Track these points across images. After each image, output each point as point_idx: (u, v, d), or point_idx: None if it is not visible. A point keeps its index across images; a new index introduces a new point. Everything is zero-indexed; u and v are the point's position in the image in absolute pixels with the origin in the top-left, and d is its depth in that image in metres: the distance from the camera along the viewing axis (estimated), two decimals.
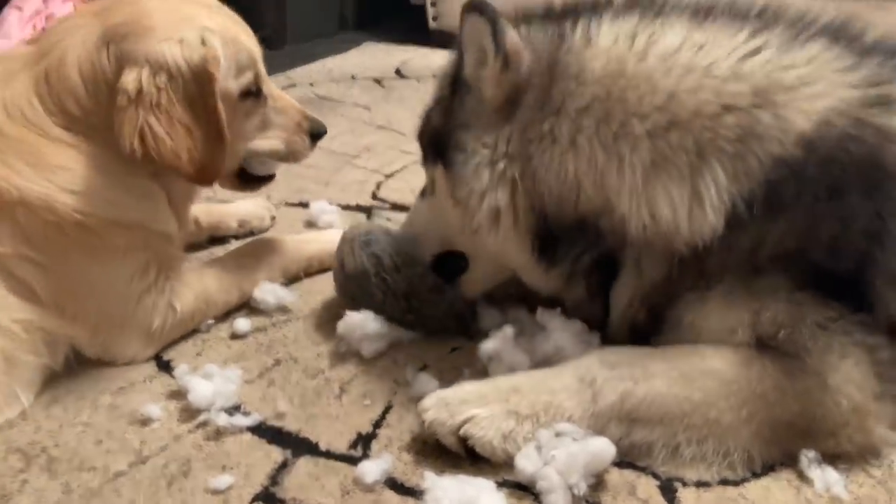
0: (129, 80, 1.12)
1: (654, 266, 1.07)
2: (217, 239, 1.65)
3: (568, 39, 1.10)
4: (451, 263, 1.26)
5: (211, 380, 1.15)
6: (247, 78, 1.28)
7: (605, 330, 1.17)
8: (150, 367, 1.25)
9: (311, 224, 1.76)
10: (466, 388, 1.05)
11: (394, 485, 1.00)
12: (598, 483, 0.98)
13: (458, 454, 1.01)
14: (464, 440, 1.00)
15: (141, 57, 1.14)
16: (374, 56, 3.39)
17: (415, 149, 2.21)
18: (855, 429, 1.00)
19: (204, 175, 1.21)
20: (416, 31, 3.75)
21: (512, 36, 1.07)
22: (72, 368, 1.21)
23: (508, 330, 1.18)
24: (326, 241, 1.53)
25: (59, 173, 1.13)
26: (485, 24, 1.06)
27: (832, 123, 0.99)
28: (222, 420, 1.09)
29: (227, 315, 1.37)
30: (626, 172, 1.03)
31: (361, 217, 1.81)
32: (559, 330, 1.16)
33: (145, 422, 1.11)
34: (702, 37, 1.05)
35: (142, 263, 1.22)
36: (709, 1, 1.11)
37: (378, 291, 1.25)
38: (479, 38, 1.08)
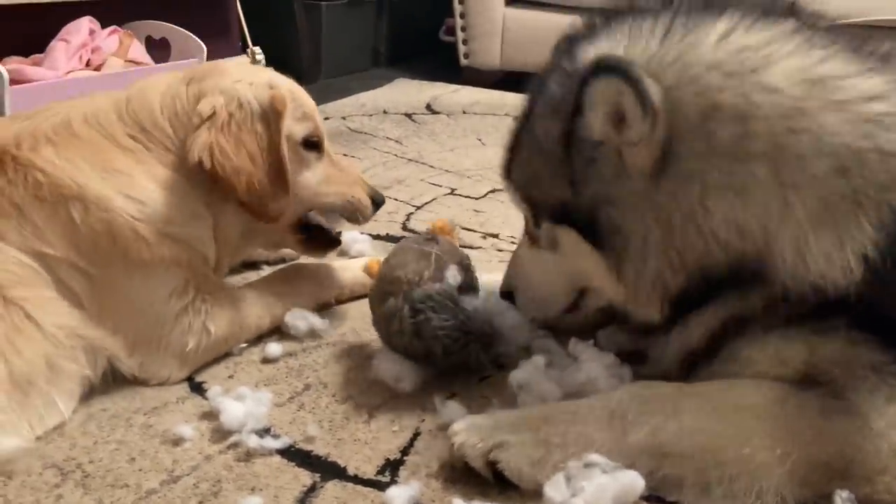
0: (206, 104, 1.25)
1: (755, 303, 1.03)
2: (250, 264, 1.68)
3: (723, 69, 0.99)
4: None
5: (242, 402, 1.16)
6: (308, 126, 1.37)
7: (641, 361, 1.16)
8: (183, 389, 1.27)
9: (342, 253, 1.78)
10: (497, 415, 1.05)
11: None
12: None
13: (486, 480, 1.01)
14: (492, 465, 0.99)
15: (217, 89, 1.27)
16: (406, 92, 3.46)
17: (445, 181, 2.26)
18: (894, 476, 0.97)
19: (261, 208, 1.29)
20: (447, 68, 3.83)
21: (656, 91, 0.97)
22: (108, 385, 1.23)
23: (539, 360, 1.18)
24: (359, 270, 1.55)
25: (118, 177, 1.21)
26: (623, 84, 0.96)
27: None
28: (253, 442, 1.10)
29: (258, 339, 1.39)
30: (792, 219, 0.98)
31: (391, 247, 1.83)
32: (591, 361, 1.16)
33: (177, 441, 1.13)
34: (872, 84, 1.01)
35: (181, 282, 1.26)
36: (853, 38, 1.07)
37: (411, 350, 1.23)
38: (614, 100, 0.98)
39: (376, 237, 1.87)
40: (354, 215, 1.47)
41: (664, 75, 1.01)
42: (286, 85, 1.36)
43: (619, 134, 1.01)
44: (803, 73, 1.00)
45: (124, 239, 1.19)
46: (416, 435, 1.15)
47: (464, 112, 3.13)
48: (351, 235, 1.82)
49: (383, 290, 1.24)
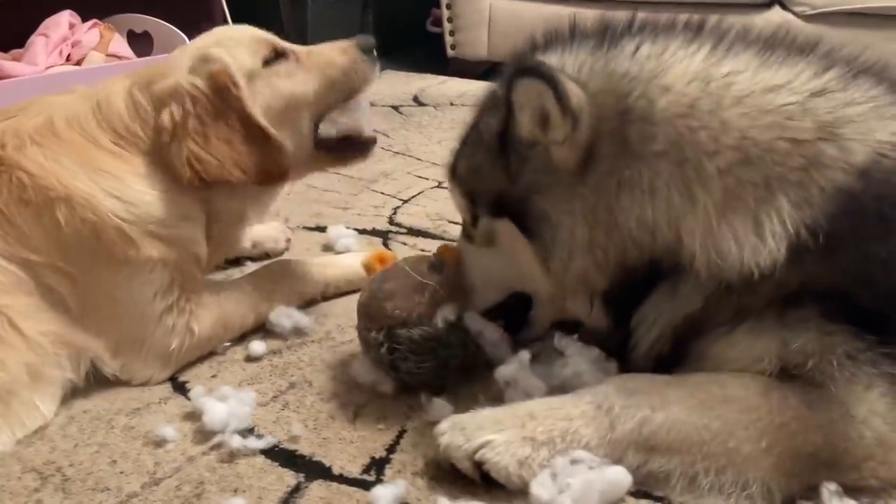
0: (165, 117, 1.24)
1: (692, 298, 1.06)
2: (233, 261, 1.66)
3: (631, 75, 1.05)
4: (511, 306, 1.24)
5: (225, 402, 1.15)
6: (260, 51, 1.33)
7: (623, 357, 1.16)
8: (166, 389, 1.25)
9: (328, 248, 1.77)
10: (483, 414, 1.04)
11: None
12: None
13: (473, 479, 1.00)
14: (479, 465, 0.99)
15: (165, 96, 1.26)
16: (393, 84, 3.43)
17: (432, 174, 2.24)
18: (879, 462, 0.98)
19: (268, 176, 1.28)
20: (434, 59, 3.80)
21: (576, 93, 1.02)
22: (88, 387, 1.22)
23: (524, 356, 1.17)
24: (344, 265, 1.54)
25: (106, 178, 1.20)
26: (545, 87, 1.01)
27: (887, 156, 1.00)
28: (236, 442, 1.09)
29: (242, 337, 1.38)
30: (699, 212, 1.02)
31: (377, 241, 1.82)
32: (576, 356, 1.15)
33: (160, 443, 1.11)
34: (771, 76, 1.04)
35: (166, 282, 1.24)
36: (767, 34, 1.11)
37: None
38: (538, 101, 1.03)
39: (362, 232, 1.86)
40: (358, 80, 1.40)
41: (591, 83, 1.06)
42: (218, 40, 1.33)
43: (545, 134, 1.06)
44: (699, 73, 1.04)
45: (110, 239, 1.18)
46: (401, 433, 1.14)
47: (451, 104, 3.11)
48: (336, 230, 1.80)
49: (369, 313, 1.20)
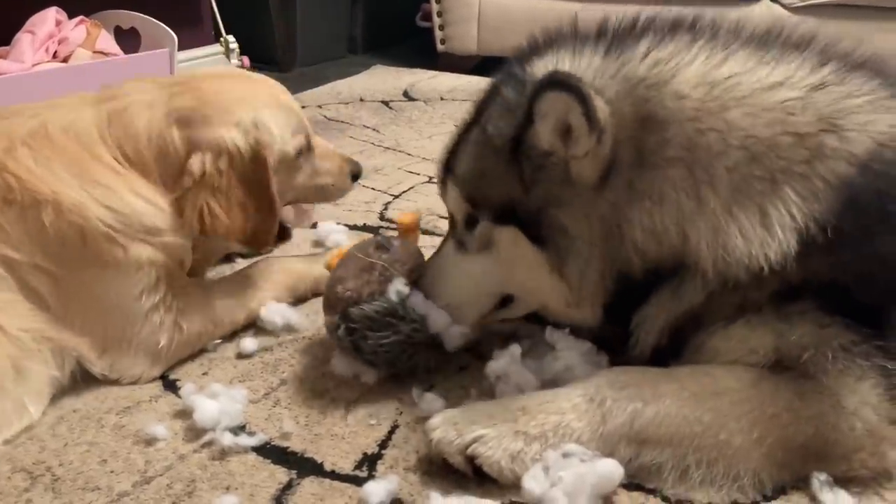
0: (196, 164, 1.23)
1: (694, 295, 1.05)
2: (224, 257, 1.65)
3: (646, 81, 1.04)
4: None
5: (216, 399, 1.14)
6: (299, 140, 1.37)
7: (620, 352, 1.15)
8: (156, 387, 1.24)
9: (319, 244, 1.76)
10: (474, 408, 1.04)
11: None
12: None
13: (465, 474, 1.00)
14: (471, 460, 0.99)
15: (204, 143, 1.25)
16: (383, 79, 3.42)
17: (422, 169, 2.24)
18: (869, 453, 0.98)
19: (256, 241, 1.32)
20: (424, 54, 3.80)
21: (603, 108, 1.00)
22: (78, 386, 1.21)
23: (516, 349, 1.17)
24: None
25: (99, 189, 1.19)
26: (573, 101, 0.98)
27: (887, 146, 1.01)
28: (227, 440, 1.09)
29: (233, 334, 1.37)
30: (707, 213, 1.01)
31: (368, 237, 1.81)
32: (568, 349, 1.16)
33: (150, 441, 1.11)
34: (769, 74, 1.04)
35: (153, 280, 1.24)
36: (760, 31, 1.11)
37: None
38: (564, 114, 1.00)
39: (353, 227, 1.85)
40: (333, 196, 1.49)
41: (607, 90, 1.04)
42: (271, 104, 1.33)
43: (566, 146, 1.03)
44: (703, 76, 1.04)
45: (96, 242, 1.17)
46: (393, 428, 1.14)
47: (441, 98, 3.10)
48: (327, 226, 1.80)
49: (327, 302, 1.22)
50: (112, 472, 1.05)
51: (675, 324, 1.08)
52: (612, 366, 1.12)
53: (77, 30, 2.52)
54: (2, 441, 1.10)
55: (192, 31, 3.25)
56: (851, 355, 0.99)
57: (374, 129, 2.68)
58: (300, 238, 1.79)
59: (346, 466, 1.06)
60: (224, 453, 1.08)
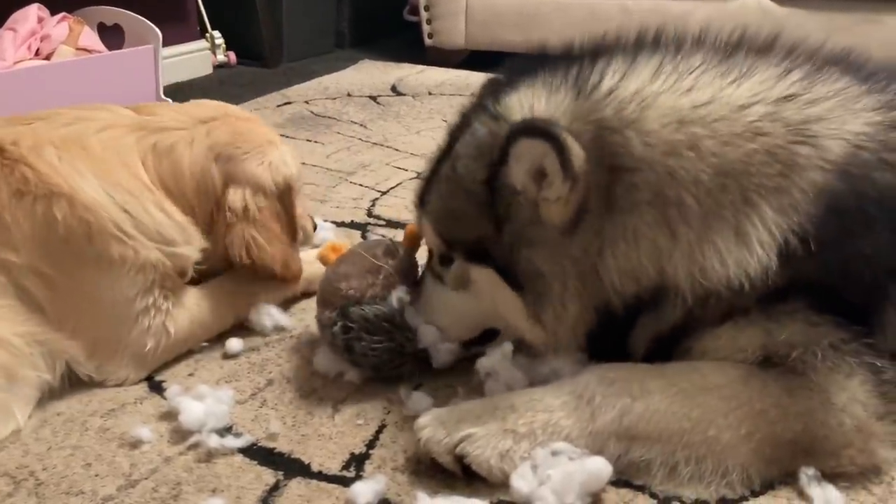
0: (237, 199, 1.31)
1: (676, 313, 1.05)
2: None
3: (613, 125, 1.01)
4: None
5: (202, 401, 1.13)
6: (301, 182, 1.48)
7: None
8: (142, 389, 1.23)
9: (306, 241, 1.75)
10: (463, 407, 1.04)
11: None
12: (594, 502, 0.97)
13: (454, 473, 1.00)
14: (460, 459, 0.98)
15: (243, 179, 1.33)
16: (370, 73, 3.40)
17: (410, 165, 2.23)
18: (858, 450, 0.98)
19: (288, 273, 1.37)
20: (411, 48, 3.78)
21: (579, 156, 0.98)
22: (62, 389, 1.20)
23: (507, 347, 1.16)
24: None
25: (122, 193, 1.20)
26: (551, 149, 0.97)
27: (864, 147, 1.00)
28: (213, 442, 1.08)
29: (220, 335, 1.35)
30: (682, 245, 1.00)
31: (356, 234, 1.80)
32: None
33: (135, 444, 1.10)
34: (737, 94, 1.02)
35: (148, 283, 1.22)
36: (724, 39, 1.10)
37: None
38: (539, 160, 0.99)
39: (341, 224, 1.84)
40: (305, 242, 1.56)
41: (583, 135, 1.01)
42: (285, 146, 1.42)
43: (539, 189, 1.02)
44: (672, 111, 1.01)
45: (103, 241, 1.16)
46: (381, 427, 1.13)
47: (429, 93, 3.09)
48: (317, 223, 1.78)
49: (324, 297, 1.21)
50: (96, 475, 1.04)
51: (658, 337, 1.08)
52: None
53: (59, 27, 2.50)
54: None
55: (177, 27, 3.22)
56: (841, 353, 0.98)
57: (361, 125, 2.66)
58: None
59: (334, 467, 1.05)
60: (210, 455, 1.07)
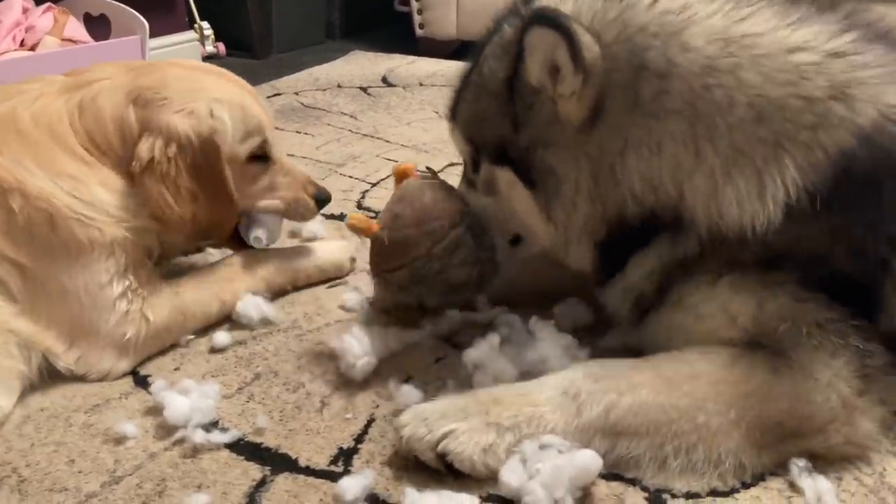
0: (144, 148, 1.21)
1: (689, 246, 1.05)
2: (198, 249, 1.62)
3: (649, 29, 1.01)
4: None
5: (188, 395, 1.12)
6: (253, 142, 1.34)
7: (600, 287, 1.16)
8: (127, 383, 1.21)
9: (294, 234, 1.73)
10: (445, 402, 1.02)
11: (375, 501, 0.97)
12: (584, 496, 0.96)
13: (440, 470, 0.98)
14: (442, 456, 0.97)
15: (156, 127, 1.22)
16: (361, 64, 3.37)
17: (401, 156, 2.21)
18: (843, 423, 0.98)
19: (209, 234, 1.31)
20: (402, 39, 3.74)
21: (591, 48, 0.99)
22: (46, 384, 1.18)
23: (494, 338, 1.16)
24: (318, 255, 1.51)
25: (67, 180, 1.17)
26: (560, 39, 0.98)
27: (893, 119, 0.99)
28: (199, 437, 1.06)
29: (206, 328, 1.34)
30: (705, 171, 1.01)
31: (343, 227, 1.78)
32: (549, 341, 1.14)
33: (120, 440, 1.08)
34: (790, 36, 1.02)
35: (122, 267, 1.21)
36: None
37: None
38: (550, 53, 1.00)
39: (330, 217, 1.82)
40: (297, 215, 1.47)
41: (605, 33, 1.02)
42: (230, 99, 1.30)
43: (554, 85, 1.03)
44: (721, 32, 1.02)
45: (67, 227, 1.15)
46: (370, 421, 1.12)
47: (420, 84, 3.06)
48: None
49: (430, 227, 1.19)
50: (80, 472, 1.03)
51: (663, 271, 1.07)
52: (596, 356, 1.11)
53: (44, 17, 2.46)
54: None
55: (165, 18, 3.18)
56: (826, 332, 0.99)
57: (351, 116, 2.64)
58: None
59: (322, 462, 1.04)
60: (196, 451, 1.06)
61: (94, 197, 1.18)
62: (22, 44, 2.42)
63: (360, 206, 1.90)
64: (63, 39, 2.45)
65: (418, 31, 3.63)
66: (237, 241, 1.43)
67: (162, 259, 1.35)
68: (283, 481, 1.01)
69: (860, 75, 1.01)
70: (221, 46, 3.50)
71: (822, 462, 0.99)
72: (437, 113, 2.67)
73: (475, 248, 1.20)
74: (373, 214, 1.84)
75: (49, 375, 1.19)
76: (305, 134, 2.45)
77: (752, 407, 0.97)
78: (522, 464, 0.95)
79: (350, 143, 2.36)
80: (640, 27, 1.02)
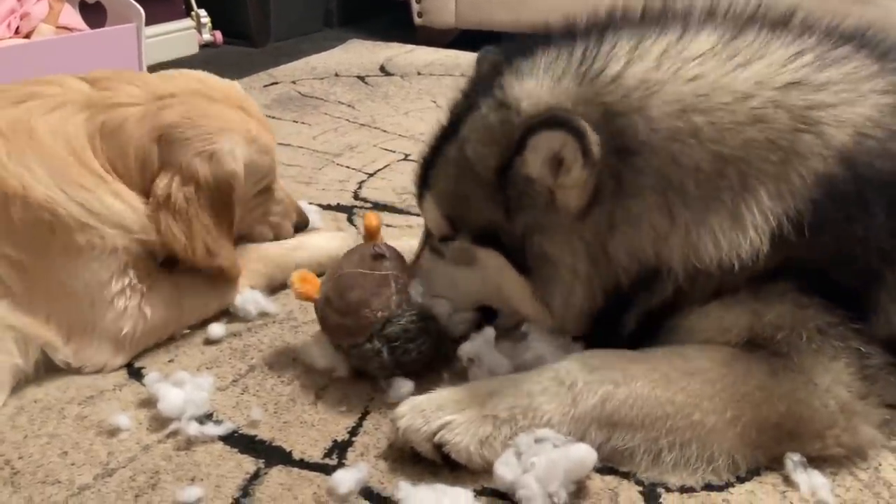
0: (160, 185, 1.23)
1: (664, 290, 1.04)
2: None
3: (620, 110, 1.01)
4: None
5: (182, 387, 1.11)
6: (264, 182, 1.41)
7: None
8: (121, 375, 1.21)
9: None
10: (442, 394, 1.02)
11: (369, 494, 0.97)
12: (579, 489, 0.96)
13: (436, 462, 0.98)
14: (439, 447, 0.97)
15: (175, 166, 1.24)
16: (359, 53, 3.36)
17: (398, 146, 2.20)
18: (842, 429, 0.98)
19: (207, 262, 1.29)
20: (401, 27, 3.72)
21: (596, 141, 0.98)
22: (40, 375, 1.18)
23: (489, 332, 1.15)
24: (314, 248, 1.50)
25: (78, 191, 1.17)
26: (570, 138, 0.97)
27: (868, 135, 0.98)
28: (193, 429, 1.06)
29: (204, 321, 1.33)
30: (679, 229, 1.00)
31: (342, 217, 1.78)
32: (542, 339, 1.13)
33: (113, 432, 1.08)
34: (744, 77, 1.01)
35: (121, 265, 1.21)
36: (738, 11, 1.09)
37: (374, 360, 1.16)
38: (556, 149, 0.99)
39: (326, 207, 1.81)
40: (263, 240, 1.50)
41: (590, 119, 1.00)
42: (249, 139, 1.32)
43: (555, 177, 1.01)
44: (676, 100, 1.01)
45: (67, 233, 1.15)
46: (364, 414, 1.12)
47: (418, 73, 3.05)
48: (301, 206, 1.75)
49: (348, 328, 1.14)
50: (73, 464, 1.02)
51: (648, 312, 1.07)
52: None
53: (40, 4, 2.45)
54: None
55: (162, 5, 3.16)
56: (827, 336, 0.98)
57: (349, 106, 2.63)
58: None
59: (316, 454, 1.04)
60: (190, 443, 1.06)
61: (104, 206, 1.18)
62: (17, 31, 2.40)
63: (356, 197, 1.89)
64: (58, 27, 2.44)
65: (417, 20, 3.61)
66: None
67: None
68: (277, 474, 1.01)
69: (823, 99, 1.00)
70: (218, 35, 3.48)
71: (818, 458, 0.99)
72: (434, 102, 2.66)
73: (418, 332, 1.14)
74: (369, 205, 1.84)
75: (46, 368, 1.19)
76: (302, 123, 2.44)
77: (749, 408, 0.97)
78: (517, 457, 0.95)
79: (347, 133, 2.35)
80: (615, 110, 1.01)
